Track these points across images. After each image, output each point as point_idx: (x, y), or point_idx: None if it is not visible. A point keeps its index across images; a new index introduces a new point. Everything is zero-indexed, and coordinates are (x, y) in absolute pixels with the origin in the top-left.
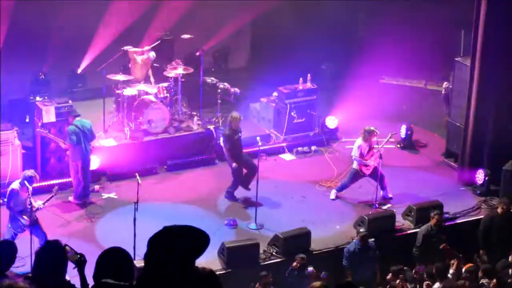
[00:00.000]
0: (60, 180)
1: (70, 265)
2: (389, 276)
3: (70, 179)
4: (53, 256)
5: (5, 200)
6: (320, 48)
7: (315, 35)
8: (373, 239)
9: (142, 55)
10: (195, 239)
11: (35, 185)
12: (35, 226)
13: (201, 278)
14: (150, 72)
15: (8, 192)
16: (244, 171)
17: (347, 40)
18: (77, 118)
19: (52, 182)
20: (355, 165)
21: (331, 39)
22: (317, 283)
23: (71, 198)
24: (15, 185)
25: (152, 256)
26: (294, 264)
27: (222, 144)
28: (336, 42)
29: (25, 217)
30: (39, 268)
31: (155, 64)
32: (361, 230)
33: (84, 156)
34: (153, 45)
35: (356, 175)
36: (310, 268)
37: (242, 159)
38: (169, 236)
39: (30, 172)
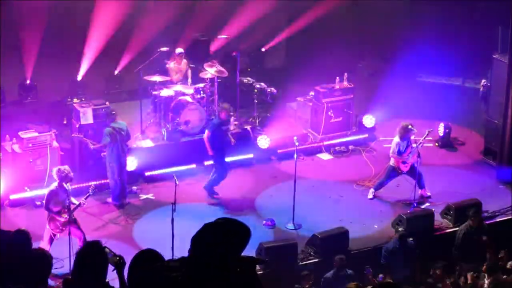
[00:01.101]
0: (98, 181)
1: (109, 267)
2: (438, 272)
3: (107, 181)
4: (93, 258)
5: (43, 201)
6: (356, 47)
7: (352, 33)
8: (411, 238)
9: (174, 60)
10: (236, 232)
11: (73, 186)
12: (73, 226)
13: (244, 274)
14: (188, 73)
15: (47, 193)
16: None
17: (384, 38)
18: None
19: (90, 183)
20: (392, 162)
21: (368, 37)
22: (352, 284)
23: (109, 200)
24: (53, 186)
25: (196, 253)
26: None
27: (205, 132)
28: (373, 40)
29: (64, 215)
30: (79, 270)
31: (191, 65)
32: (400, 229)
33: (121, 158)
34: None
35: (393, 172)
36: (368, 268)
37: (223, 154)
38: (211, 232)
39: (60, 171)
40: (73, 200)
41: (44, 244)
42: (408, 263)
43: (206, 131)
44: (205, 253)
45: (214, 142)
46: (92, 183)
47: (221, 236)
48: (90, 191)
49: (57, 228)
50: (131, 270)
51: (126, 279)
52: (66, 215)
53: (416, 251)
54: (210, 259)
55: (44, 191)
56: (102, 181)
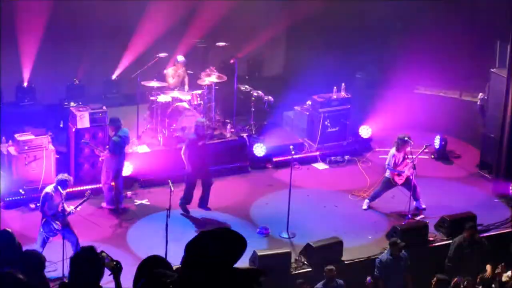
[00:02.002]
0: (93, 185)
1: (106, 272)
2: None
3: (101, 185)
4: (89, 262)
5: (39, 204)
6: (355, 57)
7: (350, 44)
8: (404, 250)
9: (173, 66)
10: (233, 243)
11: (68, 190)
12: (66, 229)
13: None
14: (186, 80)
15: (42, 196)
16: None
17: (381, 49)
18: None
19: (85, 187)
20: (387, 173)
21: (366, 48)
22: None
23: (103, 204)
24: (49, 189)
25: (189, 261)
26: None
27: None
28: (371, 51)
29: (57, 222)
30: (75, 274)
31: (189, 71)
32: (393, 239)
33: (120, 163)
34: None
35: (388, 184)
36: (369, 278)
37: (202, 169)
38: (206, 240)
39: (64, 176)
40: (66, 206)
41: (37, 247)
42: (401, 274)
43: (183, 147)
44: (199, 261)
45: (191, 158)
46: (88, 187)
47: (216, 245)
48: (85, 197)
49: (51, 231)
50: (136, 275)
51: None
52: (58, 222)
53: (408, 262)
54: (203, 267)
55: (40, 194)
56: (98, 185)
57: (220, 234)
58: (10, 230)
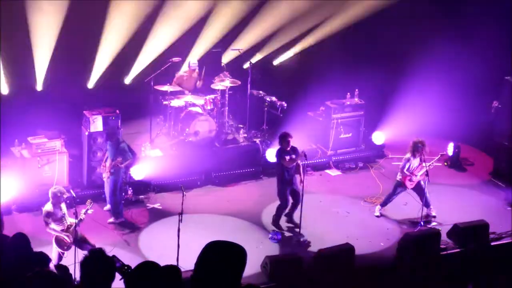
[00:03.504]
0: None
1: (117, 276)
2: None
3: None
4: (99, 264)
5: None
6: (369, 63)
7: (365, 49)
8: None
9: (186, 69)
10: (234, 255)
11: (80, 194)
12: (81, 244)
13: None
14: (199, 83)
15: (44, 215)
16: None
17: (396, 55)
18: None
19: (97, 191)
20: (399, 177)
21: (381, 54)
22: None
23: (112, 220)
24: (48, 206)
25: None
26: None
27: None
28: (386, 57)
29: (69, 235)
30: (86, 277)
31: (199, 77)
32: None
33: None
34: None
35: (400, 188)
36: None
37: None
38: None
39: (54, 190)
40: (68, 218)
41: (53, 264)
42: None
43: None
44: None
45: (279, 170)
46: (88, 200)
47: (222, 258)
48: (87, 204)
49: (65, 244)
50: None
51: None
52: (69, 236)
53: None
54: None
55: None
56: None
57: (222, 247)
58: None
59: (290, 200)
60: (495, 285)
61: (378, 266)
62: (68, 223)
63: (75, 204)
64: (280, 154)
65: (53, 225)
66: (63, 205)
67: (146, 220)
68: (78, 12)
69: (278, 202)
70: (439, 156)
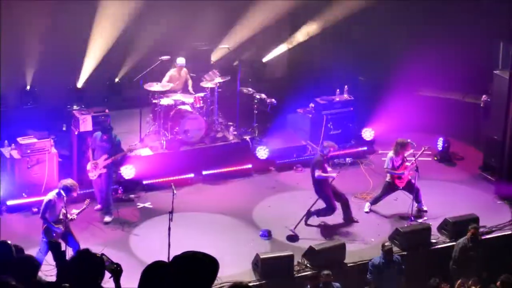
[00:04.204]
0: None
1: (107, 274)
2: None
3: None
4: (87, 265)
5: (40, 209)
6: (357, 59)
7: (354, 46)
8: (397, 255)
9: (175, 68)
10: (205, 267)
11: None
12: (68, 236)
13: None
14: (189, 82)
15: (44, 202)
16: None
17: (385, 51)
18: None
19: (88, 190)
20: (388, 177)
21: (369, 50)
22: None
23: (108, 219)
24: (52, 195)
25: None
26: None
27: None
28: (374, 53)
29: (60, 226)
30: (75, 278)
31: (191, 74)
32: (386, 244)
33: None
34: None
35: (390, 188)
36: None
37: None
38: (180, 266)
39: (68, 182)
40: (67, 213)
41: (40, 255)
42: (393, 278)
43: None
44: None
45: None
46: (87, 200)
47: (189, 270)
48: (85, 205)
49: (53, 238)
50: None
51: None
52: (61, 226)
53: (402, 267)
54: None
55: (42, 198)
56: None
57: (191, 258)
58: (9, 242)
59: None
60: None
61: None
62: (61, 217)
63: (66, 204)
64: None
65: (47, 215)
66: (65, 199)
67: (136, 219)
68: (67, 11)
69: (266, 200)
70: (423, 149)
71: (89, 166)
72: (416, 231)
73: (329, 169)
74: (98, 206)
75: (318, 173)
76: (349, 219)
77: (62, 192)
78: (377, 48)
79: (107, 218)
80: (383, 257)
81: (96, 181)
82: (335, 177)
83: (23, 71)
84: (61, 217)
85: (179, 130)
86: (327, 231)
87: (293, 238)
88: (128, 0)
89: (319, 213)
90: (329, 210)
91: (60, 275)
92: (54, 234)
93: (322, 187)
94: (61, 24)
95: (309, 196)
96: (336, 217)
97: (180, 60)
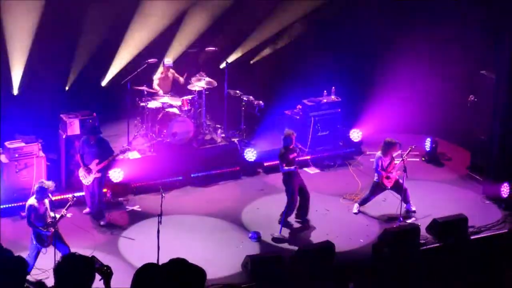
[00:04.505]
0: (83, 192)
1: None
2: None
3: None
4: (76, 268)
5: (24, 213)
6: (345, 60)
7: (340, 47)
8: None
9: (162, 70)
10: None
11: (58, 197)
12: (57, 239)
13: None
14: (180, 79)
15: (26, 208)
16: None
17: (371, 52)
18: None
19: (76, 194)
20: (376, 177)
21: (357, 50)
22: None
23: (103, 222)
24: (32, 200)
25: None
26: None
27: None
28: (361, 54)
29: (48, 229)
30: (64, 282)
31: (180, 77)
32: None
33: None
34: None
35: (378, 188)
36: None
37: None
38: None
39: (40, 184)
40: (52, 214)
41: (29, 259)
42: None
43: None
44: None
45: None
46: (70, 195)
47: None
48: (69, 200)
49: (43, 242)
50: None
51: None
52: (50, 229)
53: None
54: None
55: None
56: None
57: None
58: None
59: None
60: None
61: (358, 262)
62: (49, 220)
63: (54, 208)
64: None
65: (33, 220)
66: (46, 201)
67: (125, 222)
68: (54, 15)
69: (255, 202)
70: (410, 149)
71: (81, 173)
72: (404, 231)
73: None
74: (87, 210)
75: (283, 166)
76: (301, 216)
77: (41, 195)
78: (364, 48)
79: (102, 222)
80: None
81: (89, 184)
82: (295, 169)
83: (10, 75)
84: (49, 220)
85: (167, 133)
86: (316, 232)
87: (282, 240)
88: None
89: (287, 213)
90: (290, 205)
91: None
92: (45, 238)
93: (289, 180)
94: (49, 27)
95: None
96: (327, 218)
97: (167, 61)
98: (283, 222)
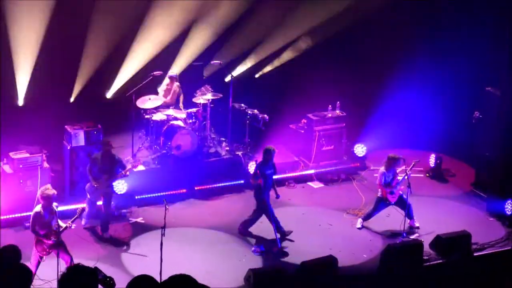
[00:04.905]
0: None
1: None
2: None
3: (99, 203)
4: (80, 279)
5: (28, 224)
6: (350, 75)
7: (346, 62)
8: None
9: (167, 82)
10: None
11: (63, 208)
12: (60, 248)
13: None
14: (180, 98)
15: (32, 216)
16: None
17: (377, 68)
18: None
19: (80, 206)
20: (380, 193)
21: (362, 66)
22: None
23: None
24: (38, 208)
25: None
26: None
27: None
28: (367, 69)
29: (51, 237)
30: None
31: (180, 93)
32: None
33: None
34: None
35: (382, 203)
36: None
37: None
38: None
39: (45, 191)
40: (60, 222)
41: (31, 267)
42: None
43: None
44: None
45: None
46: (82, 205)
47: None
48: (77, 213)
49: (44, 250)
50: None
51: None
52: (53, 238)
53: None
54: None
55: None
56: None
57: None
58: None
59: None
60: None
61: (361, 278)
62: (54, 230)
63: (56, 215)
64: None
65: (37, 228)
66: (53, 209)
67: (129, 234)
68: (59, 27)
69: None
70: (413, 164)
71: (95, 184)
72: (408, 247)
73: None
74: (84, 221)
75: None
76: (243, 228)
77: (54, 206)
78: (370, 64)
79: (106, 234)
80: None
81: (96, 198)
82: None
83: (15, 86)
84: (54, 229)
85: (172, 145)
86: (319, 246)
87: (284, 253)
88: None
89: (276, 226)
90: (271, 218)
91: None
92: (45, 247)
93: (259, 195)
94: (54, 39)
95: (302, 211)
96: (330, 233)
97: (173, 73)
98: (278, 235)
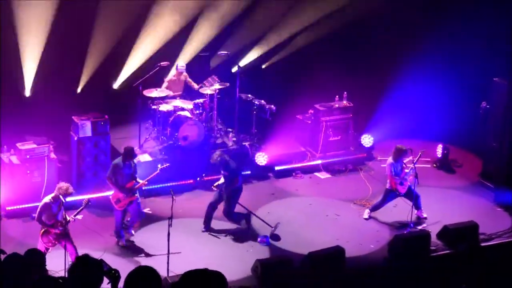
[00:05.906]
0: (94, 194)
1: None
2: None
3: (104, 194)
4: (88, 271)
5: (35, 214)
6: (357, 66)
7: (353, 52)
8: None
9: (174, 73)
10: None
11: (70, 199)
12: (66, 239)
13: None
14: (193, 84)
15: (40, 205)
16: None
17: (384, 58)
18: None
19: (87, 196)
20: (388, 184)
21: (369, 56)
22: None
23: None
24: (48, 198)
25: None
26: None
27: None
28: (374, 59)
29: (57, 228)
30: (76, 283)
31: (188, 79)
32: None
33: None
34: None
35: (391, 195)
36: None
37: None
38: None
39: (62, 186)
40: (66, 216)
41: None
42: None
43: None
44: None
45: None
46: (90, 196)
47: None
48: (83, 204)
49: (50, 242)
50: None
51: None
52: (60, 227)
53: None
54: None
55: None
56: (99, 195)
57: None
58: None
59: None
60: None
61: (368, 268)
62: (60, 220)
63: (63, 208)
64: None
65: (44, 218)
66: (61, 202)
67: (136, 225)
68: (66, 17)
69: (265, 206)
70: (420, 154)
71: (120, 196)
72: (415, 238)
73: None
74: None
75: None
76: (205, 226)
77: (60, 196)
78: (377, 54)
79: (121, 243)
80: None
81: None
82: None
83: (22, 77)
84: (60, 220)
85: (179, 136)
86: (326, 237)
87: (292, 243)
88: (128, 4)
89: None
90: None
91: None
92: (51, 237)
93: (235, 196)
94: (61, 30)
95: (309, 202)
96: (337, 224)
97: (181, 66)
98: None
